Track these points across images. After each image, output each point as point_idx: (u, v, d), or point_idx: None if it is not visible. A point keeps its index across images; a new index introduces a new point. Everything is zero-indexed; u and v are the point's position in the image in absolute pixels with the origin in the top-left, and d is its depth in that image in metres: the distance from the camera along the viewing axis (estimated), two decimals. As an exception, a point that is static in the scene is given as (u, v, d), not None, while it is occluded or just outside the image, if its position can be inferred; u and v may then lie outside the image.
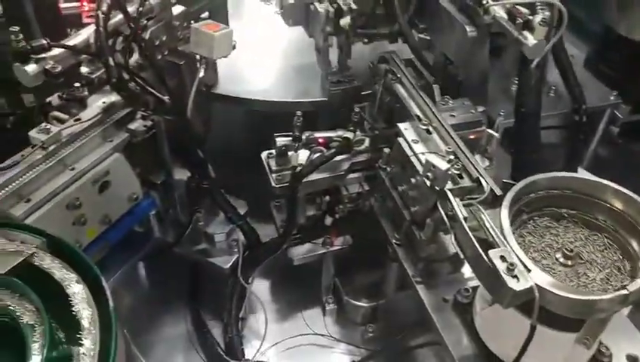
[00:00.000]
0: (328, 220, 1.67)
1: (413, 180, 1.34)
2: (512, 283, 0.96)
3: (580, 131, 2.05)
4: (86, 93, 1.46)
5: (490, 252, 1.01)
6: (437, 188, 1.22)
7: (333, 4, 1.57)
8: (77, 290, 1.02)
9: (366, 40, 1.69)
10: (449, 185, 1.23)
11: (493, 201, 1.20)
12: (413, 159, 1.34)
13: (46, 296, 0.99)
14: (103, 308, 1.01)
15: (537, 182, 1.17)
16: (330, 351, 1.75)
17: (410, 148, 1.36)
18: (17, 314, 0.98)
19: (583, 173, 2.00)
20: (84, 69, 1.31)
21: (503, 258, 0.99)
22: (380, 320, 1.78)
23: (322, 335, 1.76)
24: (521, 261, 0.99)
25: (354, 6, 1.57)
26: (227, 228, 1.70)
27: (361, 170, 1.63)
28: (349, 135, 1.55)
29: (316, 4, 1.58)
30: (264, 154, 1.60)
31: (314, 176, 1.53)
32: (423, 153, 1.33)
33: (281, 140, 1.57)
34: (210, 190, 1.61)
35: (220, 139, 1.82)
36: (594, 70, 2.26)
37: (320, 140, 1.58)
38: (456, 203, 1.16)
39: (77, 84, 1.42)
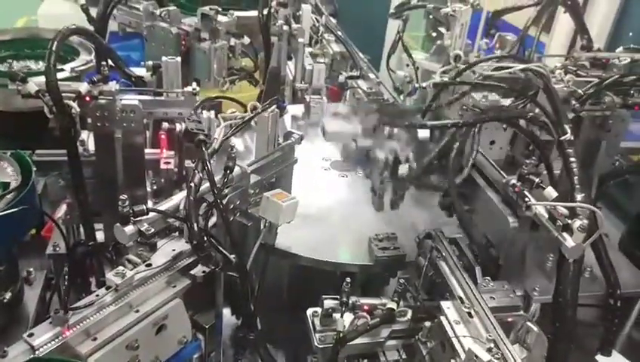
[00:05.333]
0: (364, 383, 1.70)
1: (452, 362, 1.40)
2: None
3: (614, 315, 2.09)
4: (156, 239, 1.61)
5: None
6: (477, 377, 1.28)
7: (392, 153, 1.77)
8: None
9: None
10: (489, 374, 1.28)
11: (531, 397, 1.25)
12: (455, 341, 1.41)
13: None
14: None
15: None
16: None
17: (452, 329, 1.44)
18: None
19: (616, 357, 2.02)
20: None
21: None
22: None
23: None
24: None
25: (411, 157, 1.75)
26: (265, 379, 1.75)
27: (401, 337, 1.69)
28: (393, 305, 1.64)
29: (377, 151, 1.78)
30: (309, 312, 1.69)
31: (356, 341, 1.60)
32: (464, 336, 1.40)
33: (328, 302, 1.67)
34: (255, 342, 1.68)
35: (268, 290, 1.92)
36: (629, 253, 2.33)
37: (365, 307, 1.67)
38: (496, 396, 1.21)
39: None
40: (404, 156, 1.76)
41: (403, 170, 1.75)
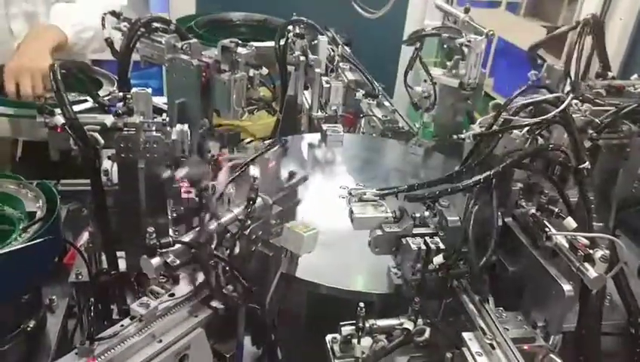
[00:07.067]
0: (385, 413, 1.69)
1: (476, 394, 1.40)
2: None
3: (636, 343, 2.06)
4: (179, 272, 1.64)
5: None
6: (501, 410, 1.27)
7: (424, 238, 1.65)
8: None
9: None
10: (512, 408, 1.28)
11: None
12: (478, 373, 1.41)
13: None
14: None
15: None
16: None
17: (475, 361, 1.43)
18: None
19: (640, 388, 1.98)
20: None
21: None
22: None
23: None
24: None
25: (442, 245, 1.64)
26: (285, 409, 1.75)
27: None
28: (409, 325, 1.63)
29: (409, 239, 1.66)
30: (329, 338, 1.69)
31: (375, 366, 1.60)
32: (487, 368, 1.40)
33: (346, 329, 1.67)
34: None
35: (287, 319, 1.93)
36: (649, 281, 2.31)
37: (382, 330, 1.67)
38: None
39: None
40: (435, 244, 1.63)
41: (438, 260, 1.61)
